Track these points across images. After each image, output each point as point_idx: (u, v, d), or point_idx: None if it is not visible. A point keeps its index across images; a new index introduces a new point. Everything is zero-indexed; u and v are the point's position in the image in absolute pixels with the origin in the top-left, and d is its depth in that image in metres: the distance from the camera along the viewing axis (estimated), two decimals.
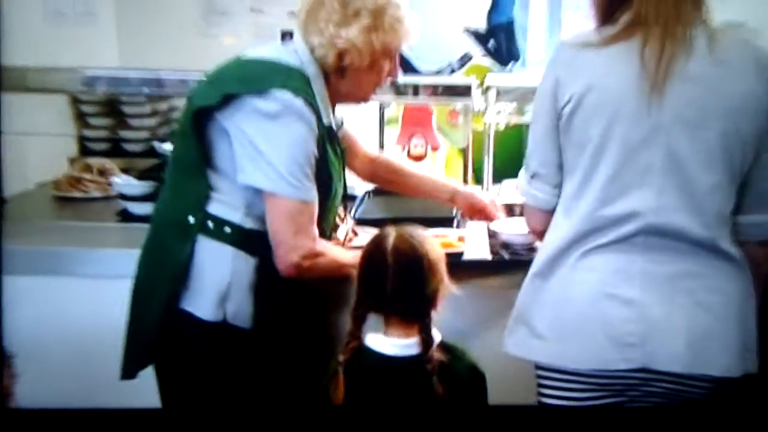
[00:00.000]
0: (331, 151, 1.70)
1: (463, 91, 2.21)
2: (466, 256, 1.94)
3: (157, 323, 1.62)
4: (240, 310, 1.62)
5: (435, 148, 3.06)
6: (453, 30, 3.06)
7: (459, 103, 2.31)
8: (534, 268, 1.48)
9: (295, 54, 1.65)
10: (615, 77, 1.35)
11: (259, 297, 1.63)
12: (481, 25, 3.03)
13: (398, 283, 1.50)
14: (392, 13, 1.65)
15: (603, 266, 1.40)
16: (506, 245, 2.00)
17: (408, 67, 3.09)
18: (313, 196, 1.61)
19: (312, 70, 1.64)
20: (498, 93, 2.17)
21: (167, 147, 2.66)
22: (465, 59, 2.87)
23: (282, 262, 1.60)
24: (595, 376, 1.41)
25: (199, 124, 1.61)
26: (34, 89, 2.39)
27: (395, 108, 3.12)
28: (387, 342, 1.53)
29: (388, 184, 2.11)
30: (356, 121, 3.02)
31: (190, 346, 1.63)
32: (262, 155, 1.57)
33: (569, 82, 1.38)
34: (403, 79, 2.28)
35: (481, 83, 2.24)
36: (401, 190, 2.13)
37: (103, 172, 2.54)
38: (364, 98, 1.77)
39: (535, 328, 1.45)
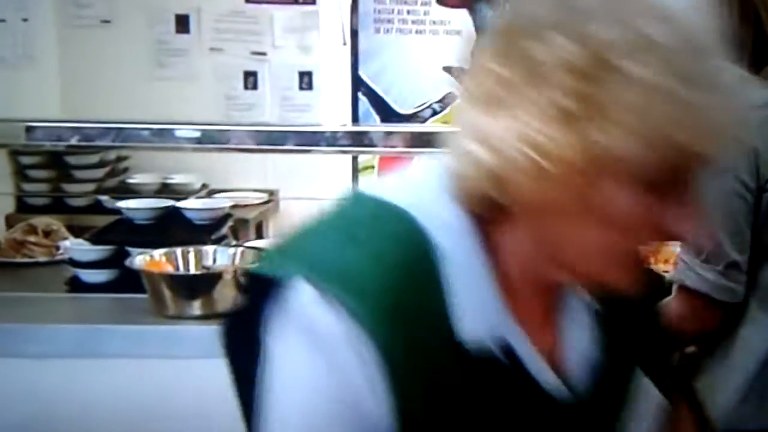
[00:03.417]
0: (486, 391, 0.74)
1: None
2: None
3: None
4: None
5: None
6: (432, 70, 2.94)
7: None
8: (742, 371, 1.33)
9: (438, 179, 0.72)
10: None
11: None
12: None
13: None
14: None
15: None
16: None
17: (387, 111, 2.95)
18: None
19: (454, 216, 0.70)
20: None
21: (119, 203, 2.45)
22: (447, 100, 2.75)
23: None
24: None
25: None
26: None
27: (370, 155, 2.96)
28: None
29: None
30: (326, 168, 2.85)
31: None
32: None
33: None
34: (389, 127, 2.07)
35: None
36: None
37: (49, 234, 2.30)
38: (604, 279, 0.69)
39: None
